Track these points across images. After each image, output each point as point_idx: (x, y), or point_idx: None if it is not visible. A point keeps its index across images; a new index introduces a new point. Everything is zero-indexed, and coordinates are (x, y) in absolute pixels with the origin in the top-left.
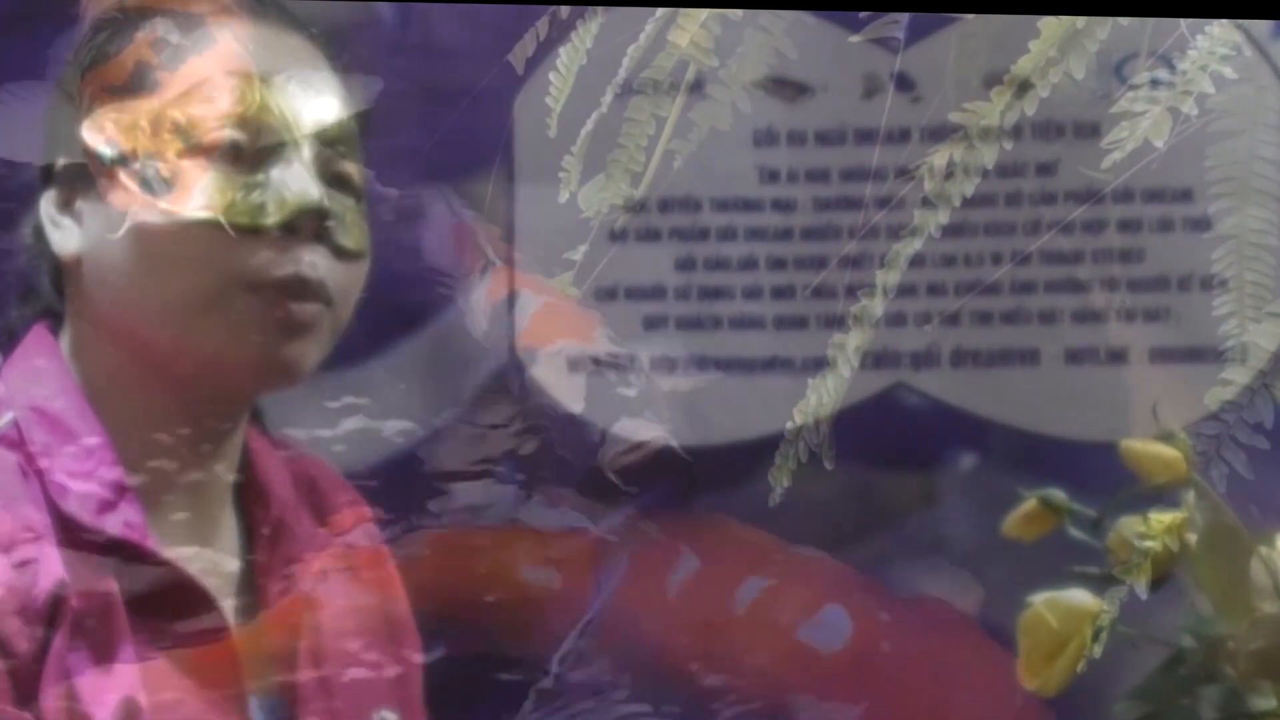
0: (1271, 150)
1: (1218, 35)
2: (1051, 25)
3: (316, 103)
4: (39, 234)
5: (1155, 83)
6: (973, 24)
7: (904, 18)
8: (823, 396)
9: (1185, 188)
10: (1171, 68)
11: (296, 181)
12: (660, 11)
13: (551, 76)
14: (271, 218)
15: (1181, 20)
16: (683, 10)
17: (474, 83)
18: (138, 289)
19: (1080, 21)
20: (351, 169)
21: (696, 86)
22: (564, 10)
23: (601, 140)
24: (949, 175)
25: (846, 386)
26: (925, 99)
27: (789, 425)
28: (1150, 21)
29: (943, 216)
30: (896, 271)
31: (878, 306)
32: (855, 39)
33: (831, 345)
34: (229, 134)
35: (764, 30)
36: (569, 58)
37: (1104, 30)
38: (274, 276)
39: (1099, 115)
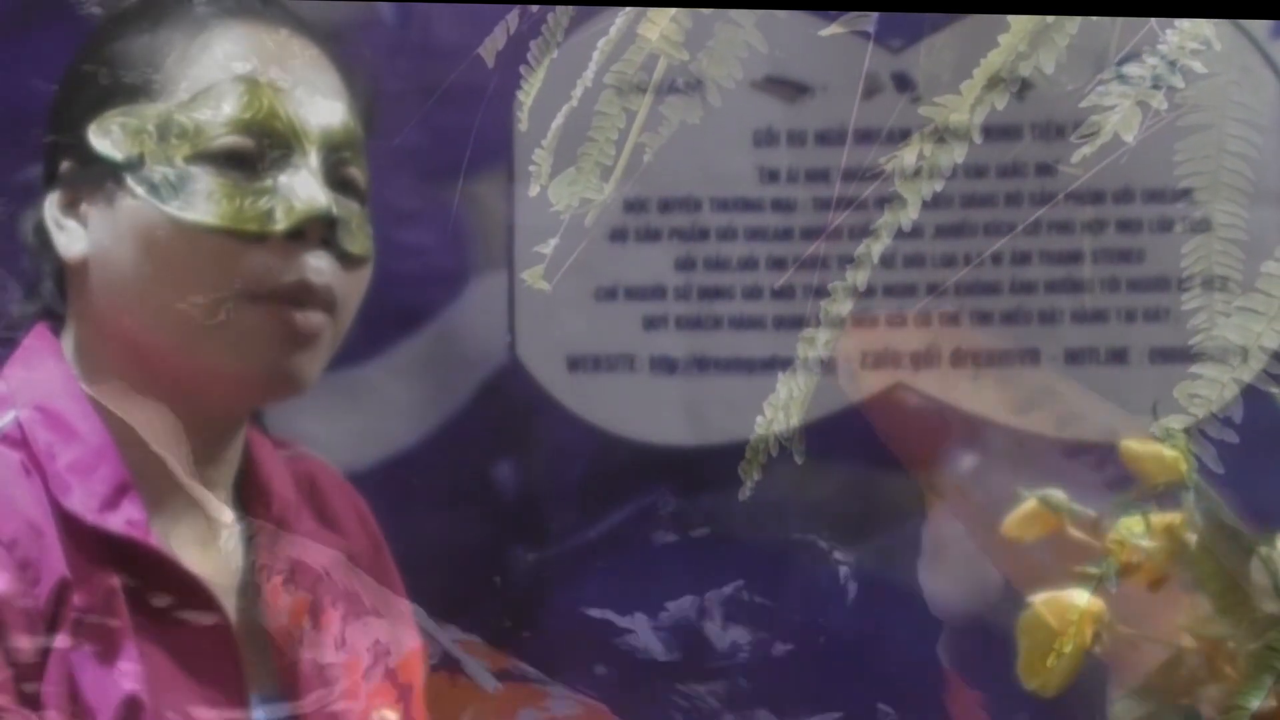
0: (1241, 145)
1: (1187, 30)
2: (1021, 20)
3: (323, 108)
4: (41, 234)
5: (1156, 82)
6: (973, 23)
7: (874, 15)
8: (793, 391)
9: (1187, 188)
10: (1171, 66)
11: (305, 188)
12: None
13: (522, 70)
14: (280, 224)
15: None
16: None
17: (472, 82)
18: (143, 294)
19: (1050, 16)
20: (356, 174)
21: (666, 80)
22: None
23: (572, 134)
24: (918, 172)
25: (817, 382)
26: (924, 99)
27: (759, 419)
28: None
29: (912, 213)
30: (866, 270)
31: (846, 304)
32: (825, 33)
33: (801, 341)
34: (237, 139)
35: (734, 24)
36: (539, 51)
37: (1073, 25)
38: (280, 283)
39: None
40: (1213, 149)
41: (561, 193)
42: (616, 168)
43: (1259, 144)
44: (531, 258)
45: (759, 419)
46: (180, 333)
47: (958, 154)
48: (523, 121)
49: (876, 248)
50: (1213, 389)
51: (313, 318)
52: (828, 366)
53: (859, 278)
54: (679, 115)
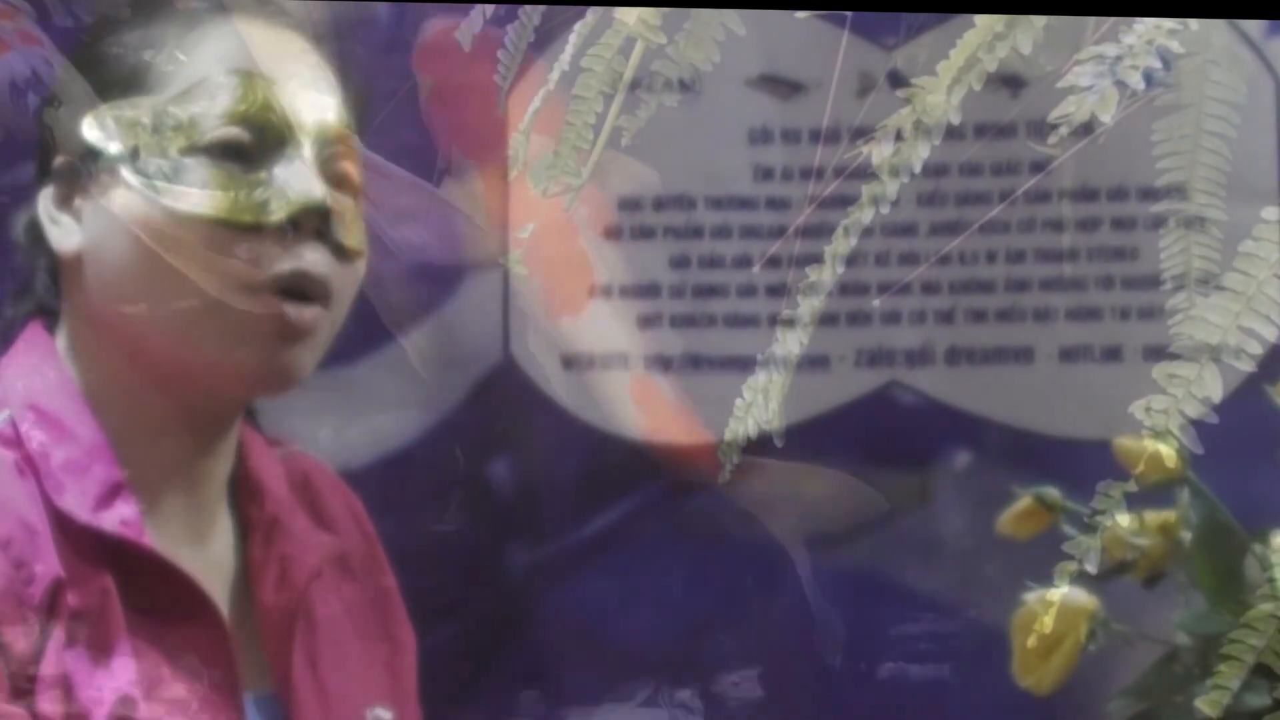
0: (1219, 124)
1: None
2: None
3: (317, 102)
4: (34, 231)
5: (1151, 79)
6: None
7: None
8: (771, 375)
9: (1181, 185)
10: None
11: (299, 180)
12: None
13: (499, 54)
14: (275, 215)
15: None
16: None
17: (458, 76)
18: (139, 287)
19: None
20: (350, 168)
21: (645, 64)
22: None
23: (548, 119)
24: (895, 154)
25: (794, 371)
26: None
27: (738, 402)
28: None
29: (889, 198)
30: (841, 265)
31: (820, 298)
32: (801, 15)
33: (780, 325)
34: (231, 131)
35: (711, 9)
36: (516, 37)
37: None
38: (276, 272)
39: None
40: (1191, 128)
41: (539, 177)
42: (594, 152)
43: (1236, 123)
44: (511, 243)
45: (738, 401)
46: (175, 324)
47: (935, 138)
48: (501, 108)
49: (853, 239)
50: (1191, 369)
51: (306, 312)
52: (806, 360)
53: (835, 271)
54: (656, 98)
